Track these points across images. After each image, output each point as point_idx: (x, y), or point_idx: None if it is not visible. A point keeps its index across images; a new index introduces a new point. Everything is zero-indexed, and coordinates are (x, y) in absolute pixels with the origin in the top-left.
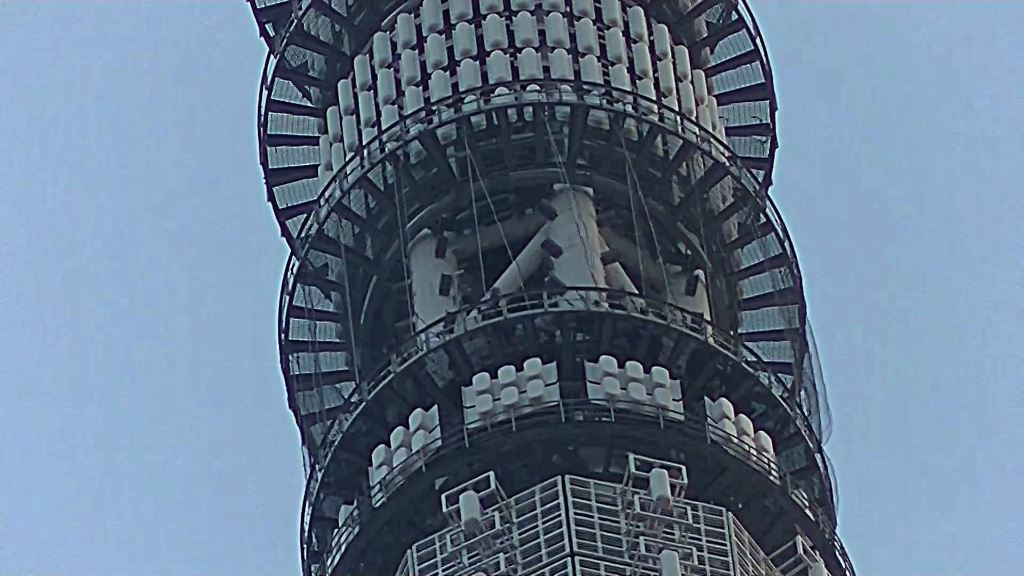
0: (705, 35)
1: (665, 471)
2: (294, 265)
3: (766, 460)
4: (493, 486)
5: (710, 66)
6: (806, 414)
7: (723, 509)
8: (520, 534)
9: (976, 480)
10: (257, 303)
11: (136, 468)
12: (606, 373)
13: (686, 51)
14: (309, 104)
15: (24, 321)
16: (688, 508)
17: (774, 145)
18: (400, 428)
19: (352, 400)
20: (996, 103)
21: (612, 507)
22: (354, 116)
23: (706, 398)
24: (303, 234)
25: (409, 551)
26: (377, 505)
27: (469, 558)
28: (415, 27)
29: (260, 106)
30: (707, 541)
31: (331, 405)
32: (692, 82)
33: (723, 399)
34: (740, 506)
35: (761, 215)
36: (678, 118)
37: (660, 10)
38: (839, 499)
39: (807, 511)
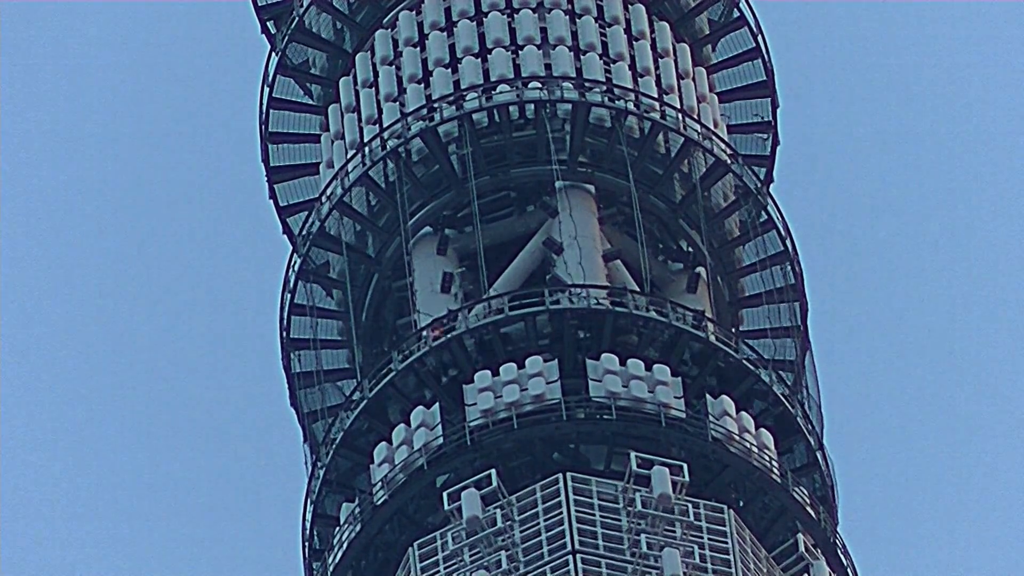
0: (707, 33)
1: (666, 468)
2: (295, 263)
3: (767, 457)
4: (495, 484)
5: (712, 64)
6: (807, 411)
7: (724, 506)
8: (522, 532)
9: (976, 478)
10: (258, 301)
11: (137, 466)
12: (607, 371)
13: (688, 49)
14: (310, 102)
15: (26, 319)
16: (689, 505)
17: (775, 142)
18: (401, 426)
19: (353, 398)
20: (996, 103)
21: (614, 505)
22: (355, 113)
23: (707, 395)
24: (304, 232)
25: (410, 549)
26: (378, 503)
27: (470, 556)
28: (417, 24)
29: (261, 104)
30: (708, 539)
31: (332, 403)
32: (694, 80)
33: (724, 396)
34: (741, 503)
35: (762, 212)
36: (680, 115)
37: (662, 8)
38: (840, 497)
39: (808, 508)
